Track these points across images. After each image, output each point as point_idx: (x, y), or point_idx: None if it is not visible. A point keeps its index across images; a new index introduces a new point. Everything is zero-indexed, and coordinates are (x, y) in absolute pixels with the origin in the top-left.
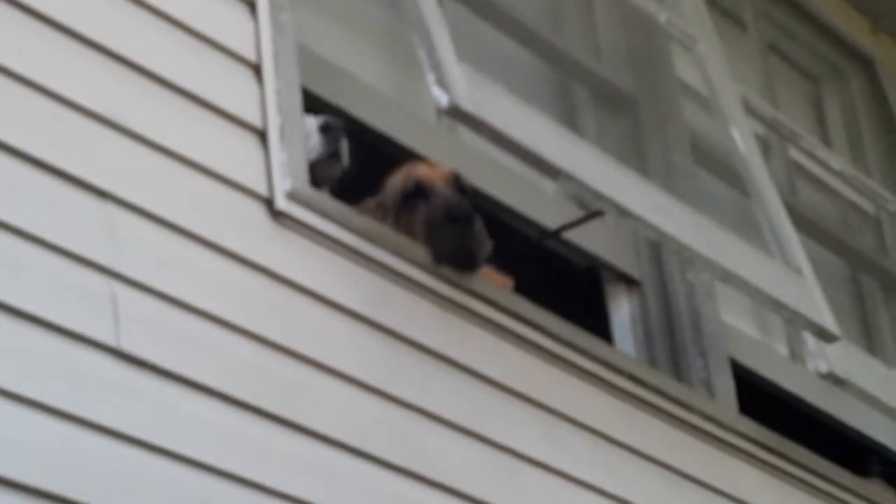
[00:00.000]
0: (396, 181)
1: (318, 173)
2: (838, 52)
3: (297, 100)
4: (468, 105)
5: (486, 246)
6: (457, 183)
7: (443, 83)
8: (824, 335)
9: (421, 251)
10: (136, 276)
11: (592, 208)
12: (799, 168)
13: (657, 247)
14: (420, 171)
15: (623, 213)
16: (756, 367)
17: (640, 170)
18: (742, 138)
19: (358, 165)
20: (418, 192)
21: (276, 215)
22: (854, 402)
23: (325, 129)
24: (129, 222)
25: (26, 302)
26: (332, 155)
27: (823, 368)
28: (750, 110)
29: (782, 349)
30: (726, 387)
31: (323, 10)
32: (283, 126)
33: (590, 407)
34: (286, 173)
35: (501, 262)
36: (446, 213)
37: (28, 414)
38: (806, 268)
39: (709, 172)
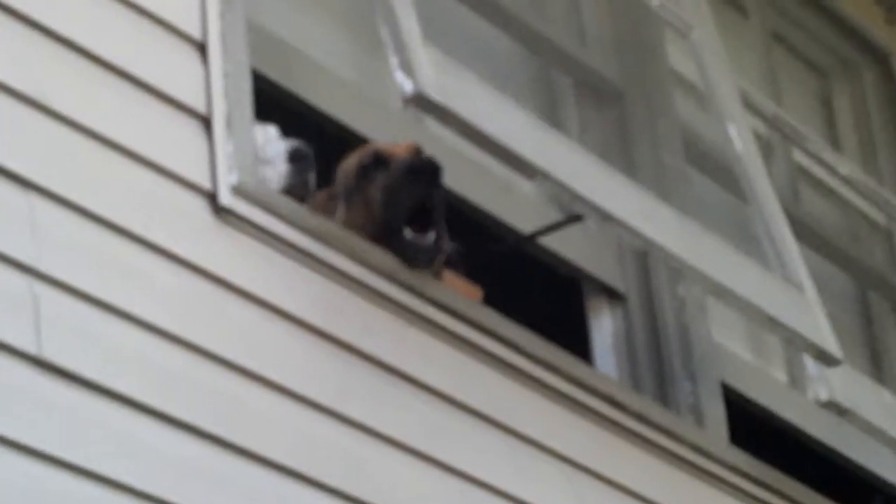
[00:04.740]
0: (349, 162)
1: None
2: (850, 43)
3: (246, 84)
4: (435, 93)
5: (448, 246)
6: (419, 153)
7: (407, 68)
8: (826, 359)
9: (379, 255)
10: (62, 276)
11: (572, 212)
12: (803, 172)
13: (644, 257)
14: (378, 144)
15: (606, 217)
16: (750, 393)
17: (627, 170)
18: (740, 137)
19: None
20: (377, 163)
21: (220, 211)
22: (857, 435)
23: (295, 158)
24: (54, 215)
25: None
26: (298, 185)
27: (824, 396)
28: (750, 106)
29: (779, 374)
30: (717, 414)
31: None
32: (229, 113)
33: (564, 433)
34: (232, 165)
35: (470, 269)
36: (407, 167)
37: None
38: (807, 284)
39: (702, 174)
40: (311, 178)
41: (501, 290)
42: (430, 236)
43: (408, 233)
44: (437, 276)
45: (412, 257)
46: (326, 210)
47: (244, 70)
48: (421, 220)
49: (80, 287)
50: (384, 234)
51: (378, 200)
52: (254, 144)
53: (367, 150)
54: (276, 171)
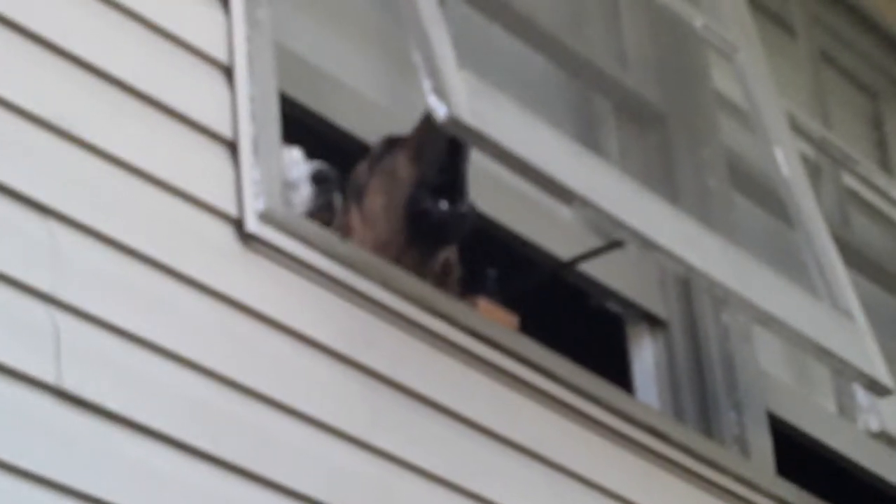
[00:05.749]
0: (357, 167)
1: None
2: None
3: (273, 108)
4: (469, 117)
5: (457, 271)
6: None
7: (441, 92)
8: (877, 388)
9: (411, 282)
10: (83, 305)
11: (612, 238)
12: (853, 196)
13: (686, 283)
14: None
15: (647, 244)
16: (797, 423)
17: (669, 195)
18: (787, 161)
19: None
20: (391, 143)
21: (247, 238)
22: None
23: (318, 180)
24: (75, 243)
25: None
26: (323, 208)
27: (875, 426)
28: (797, 129)
29: (828, 402)
30: (763, 445)
31: (305, 5)
32: (256, 137)
33: (605, 465)
34: (259, 191)
35: (506, 297)
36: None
37: None
38: (857, 311)
39: (748, 199)
40: (336, 199)
41: (539, 318)
42: (465, 206)
43: (443, 204)
44: (472, 303)
45: (448, 227)
46: (346, 229)
47: (271, 94)
48: (449, 196)
49: (101, 316)
50: (412, 205)
51: (406, 159)
52: (281, 170)
53: (374, 145)
54: (300, 194)
